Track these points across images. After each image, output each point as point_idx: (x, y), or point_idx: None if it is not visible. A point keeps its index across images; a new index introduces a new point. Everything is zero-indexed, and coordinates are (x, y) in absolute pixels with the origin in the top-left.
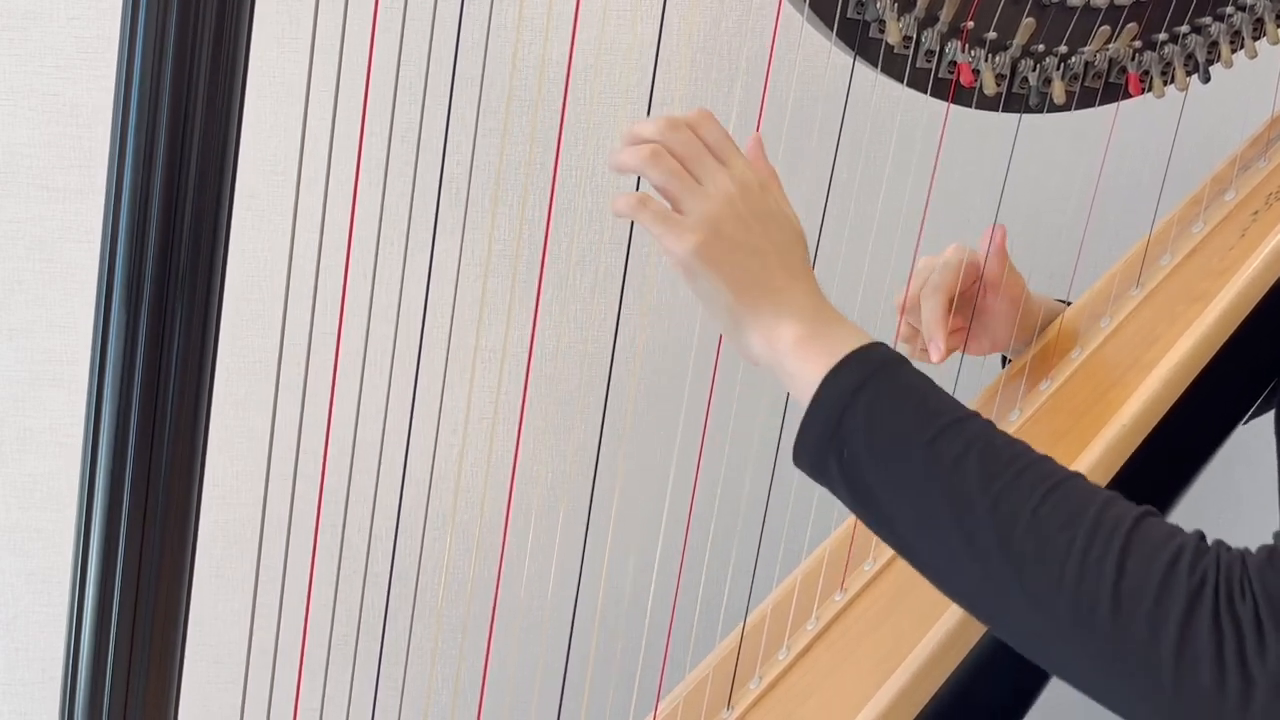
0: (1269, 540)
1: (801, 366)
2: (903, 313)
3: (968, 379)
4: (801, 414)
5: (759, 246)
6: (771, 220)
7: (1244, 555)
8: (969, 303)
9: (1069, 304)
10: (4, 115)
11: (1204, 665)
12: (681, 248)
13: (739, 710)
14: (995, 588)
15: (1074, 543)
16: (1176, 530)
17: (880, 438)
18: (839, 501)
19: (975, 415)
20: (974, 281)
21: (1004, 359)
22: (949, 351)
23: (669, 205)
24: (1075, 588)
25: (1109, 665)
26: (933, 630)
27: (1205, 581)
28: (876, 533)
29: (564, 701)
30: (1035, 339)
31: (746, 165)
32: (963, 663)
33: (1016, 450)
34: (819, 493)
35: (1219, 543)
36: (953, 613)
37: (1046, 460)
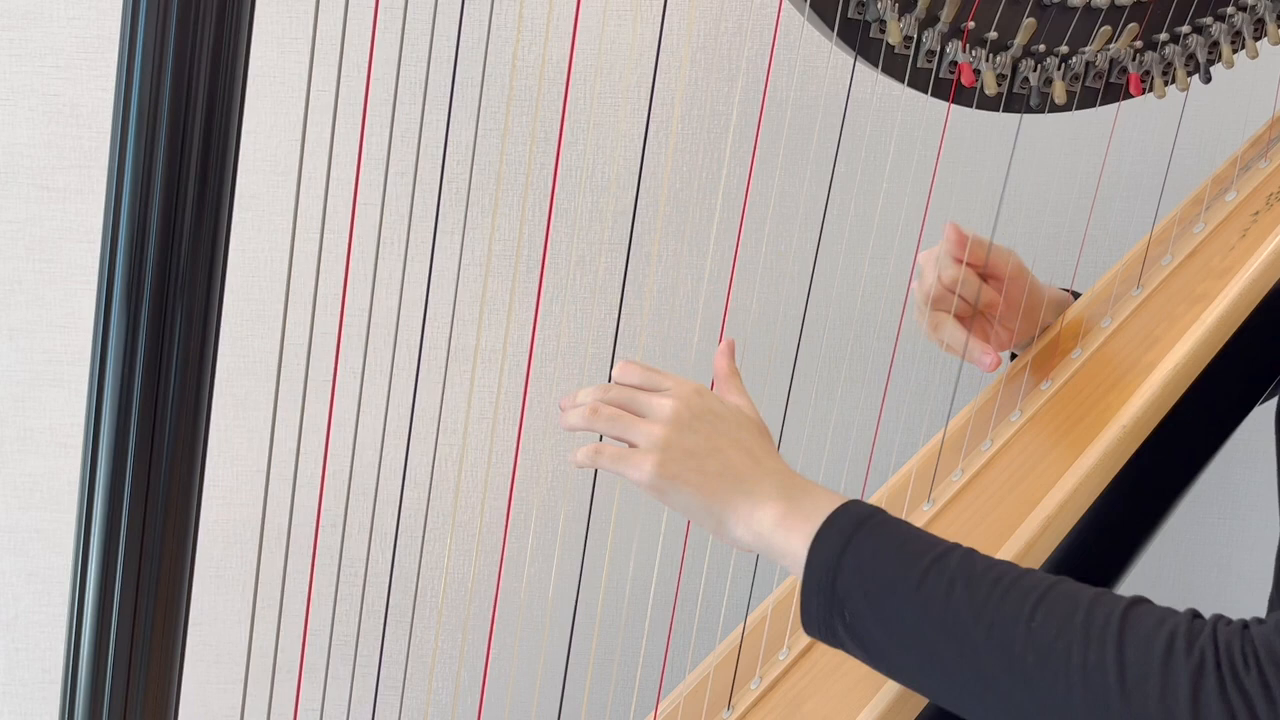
0: (1269, 542)
1: (786, 541)
2: (927, 311)
3: (968, 380)
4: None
5: (715, 445)
6: (718, 418)
7: (1246, 626)
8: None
9: (1077, 295)
10: (4, 115)
11: None
12: (642, 474)
13: (739, 710)
14: (1012, 707)
15: (1071, 648)
16: (1167, 614)
17: (873, 590)
18: None
19: (955, 547)
20: (978, 271)
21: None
22: (996, 357)
23: (626, 446)
24: (1083, 691)
25: None
26: None
27: (1205, 659)
28: (895, 679)
29: (564, 701)
30: (1039, 336)
31: (678, 381)
32: None
33: (999, 572)
34: None
35: (1216, 618)
36: None
37: (1029, 574)
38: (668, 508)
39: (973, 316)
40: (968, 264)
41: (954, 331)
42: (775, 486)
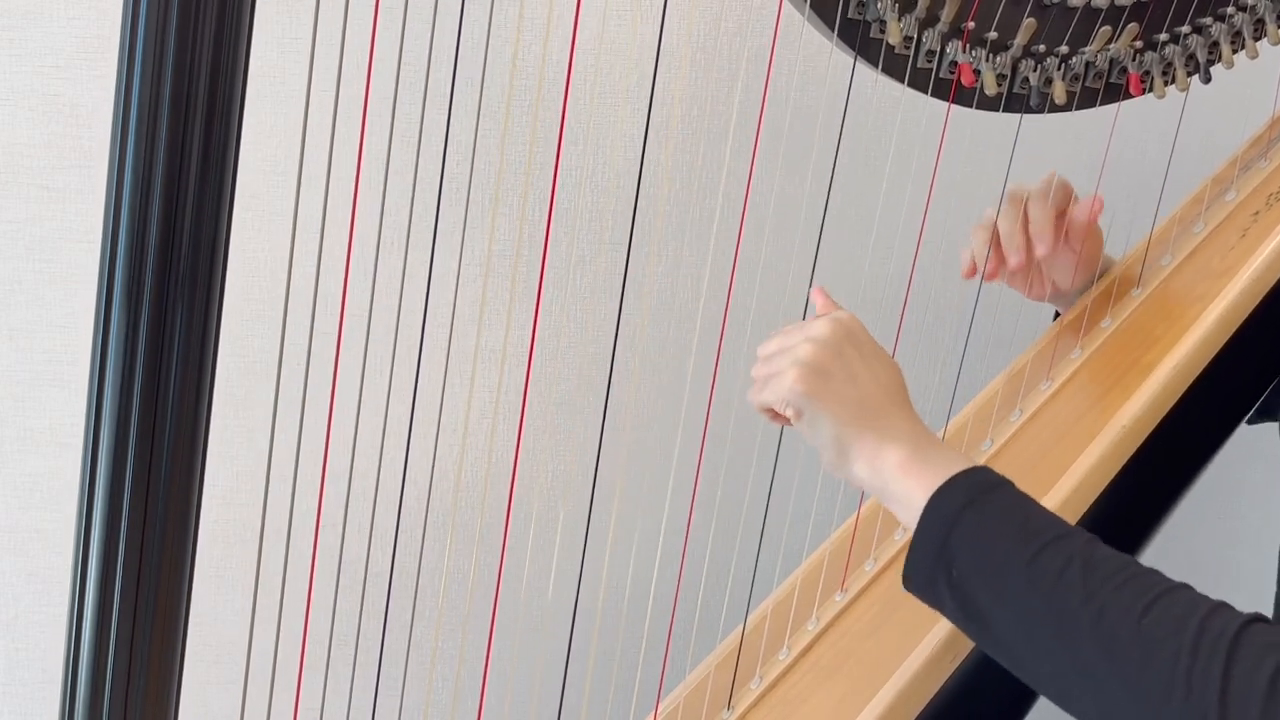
0: (1269, 542)
1: (906, 488)
2: (993, 230)
3: (967, 380)
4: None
5: (854, 374)
6: (866, 352)
7: None
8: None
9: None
10: (4, 115)
11: None
12: (782, 387)
13: (739, 710)
14: (1102, 701)
15: (1180, 653)
16: None
17: (986, 555)
18: (838, 501)
19: (1079, 531)
20: (1062, 213)
21: (1055, 313)
22: (1034, 263)
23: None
24: (1183, 699)
25: None
26: (935, 630)
27: None
28: (987, 650)
29: (564, 702)
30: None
31: (825, 320)
32: (965, 662)
33: (1120, 563)
34: (819, 492)
35: None
36: None
37: (1152, 573)
38: (803, 436)
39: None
40: (1054, 205)
41: (980, 238)
42: (907, 431)
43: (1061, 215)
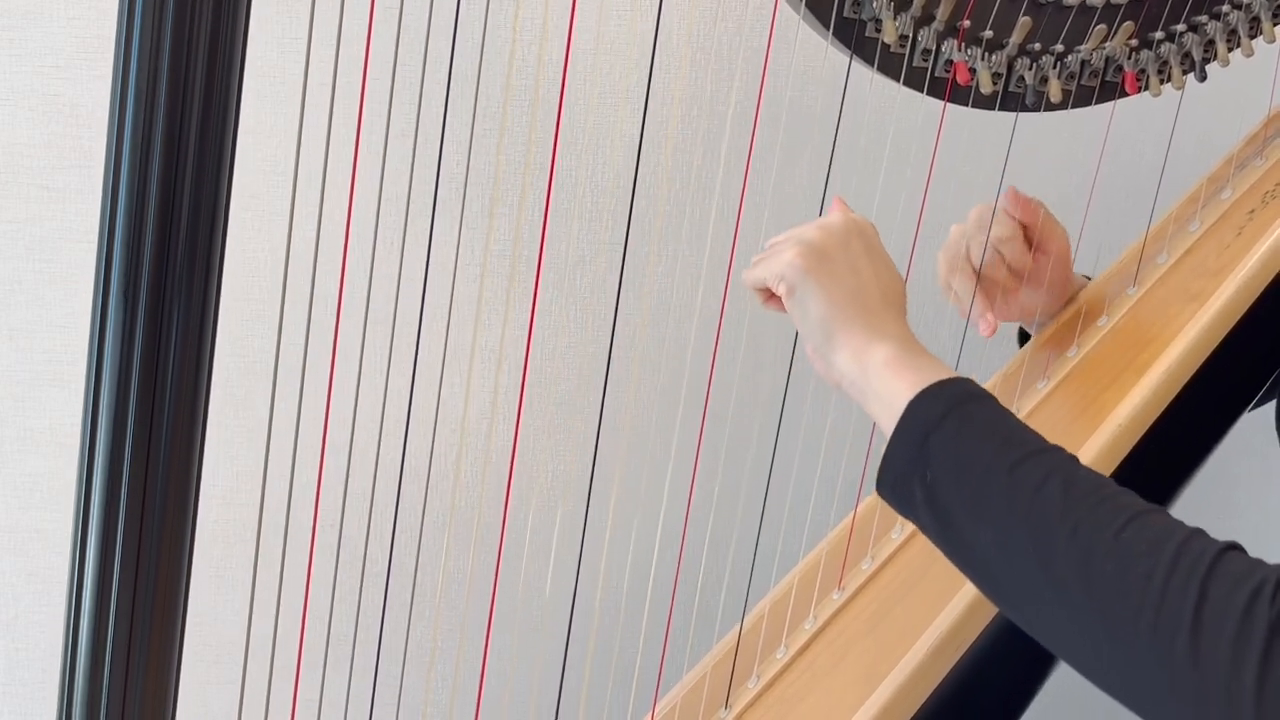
0: (1269, 542)
1: (888, 386)
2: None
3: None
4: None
5: (857, 267)
6: (873, 252)
7: None
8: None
9: (1089, 279)
10: (4, 115)
11: None
12: (781, 261)
13: (737, 709)
14: (1072, 616)
15: (1155, 570)
16: (1259, 563)
17: (964, 462)
18: (837, 500)
19: (1059, 448)
20: (1014, 236)
21: (1022, 336)
22: (994, 322)
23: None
24: (1155, 616)
25: (1184, 694)
26: (931, 629)
27: None
28: (953, 559)
29: (562, 701)
30: (1054, 318)
31: (840, 214)
32: (961, 661)
33: (1099, 481)
34: (816, 491)
35: None
36: (950, 611)
37: (1129, 493)
38: (790, 315)
39: (992, 279)
40: (1021, 222)
41: (964, 282)
42: (897, 332)
43: (1027, 231)
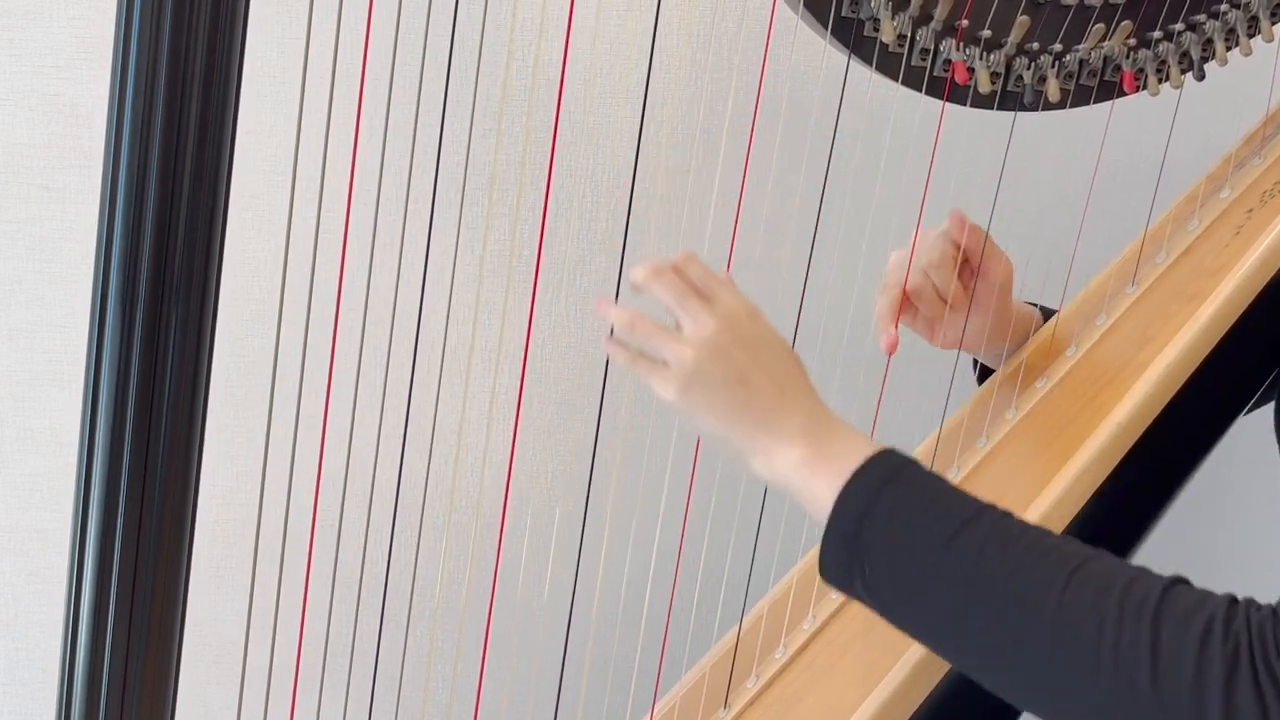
0: (1268, 542)
1: (808, 487)
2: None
3: (963, 379)
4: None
5: (744, 375)
6: (757, 347)
7: (1275, 611)
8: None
9: (1055, 312)
10: (4, 115)
11: None
12: (666, 394)
13: (736, 709)
14: (1033, 678)
15: (1105, 624)
16: (1205, 596)
17: (897, 551)
18: None
19: (990, 507)
20: (953, 259)
21: (982, 373)
22: (894, 339)
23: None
24: (1113, 669)
25: None
26: None
27: (1240, 646)
28: (913, 637)
29: (561, 702)
30: (1014, 350)
31: (733, 296)
32: None
33: (1034, 538)
34: None
35: (1248, 602)
36: None
37: (1068, 542)
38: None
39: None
40: (960, 247)
41: (889, 298)
42: (800, 425)
43: (969, 257)
